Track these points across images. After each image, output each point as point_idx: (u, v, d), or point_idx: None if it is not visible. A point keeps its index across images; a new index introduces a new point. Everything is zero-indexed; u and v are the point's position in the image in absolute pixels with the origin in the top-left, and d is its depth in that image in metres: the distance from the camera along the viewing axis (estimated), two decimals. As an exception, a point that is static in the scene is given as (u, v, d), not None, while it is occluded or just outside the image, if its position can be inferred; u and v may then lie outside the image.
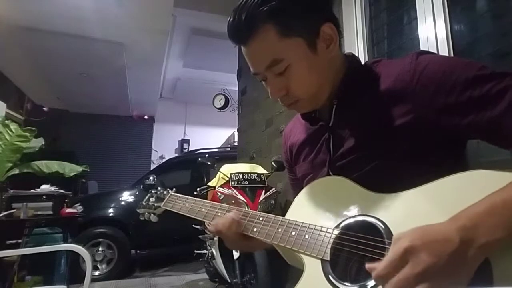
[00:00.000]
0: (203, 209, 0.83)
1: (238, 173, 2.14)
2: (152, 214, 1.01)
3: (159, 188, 1.02)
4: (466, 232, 0.43)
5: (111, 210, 4.10)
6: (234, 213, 0.76)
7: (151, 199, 1.01)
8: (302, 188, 0.74)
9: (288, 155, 0.88)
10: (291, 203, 0.75)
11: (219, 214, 0.79)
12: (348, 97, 0.69)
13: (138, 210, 1.04)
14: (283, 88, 0.66)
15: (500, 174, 0.49)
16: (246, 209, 0.78)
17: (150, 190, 1.03)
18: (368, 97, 0.66)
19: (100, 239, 3.80)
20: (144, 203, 1.02)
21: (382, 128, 0.62)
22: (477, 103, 0.53)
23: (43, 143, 3.59)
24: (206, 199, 1.98)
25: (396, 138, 0.61)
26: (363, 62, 0.74)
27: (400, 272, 0.43)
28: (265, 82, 0.69)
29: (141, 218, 1.03)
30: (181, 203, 0.90)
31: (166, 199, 0.96)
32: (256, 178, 2.15)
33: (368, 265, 0.47)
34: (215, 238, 2.34)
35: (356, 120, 0.67)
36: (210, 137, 7.24)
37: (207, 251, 2.79)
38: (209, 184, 2.27)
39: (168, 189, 1.00)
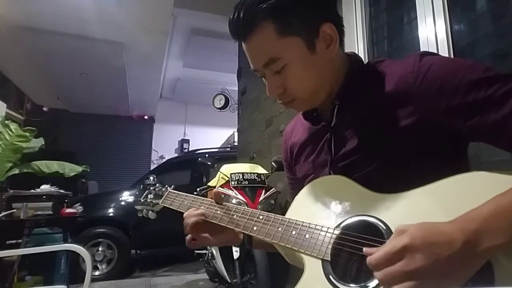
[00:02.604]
0: (202, 207, 0.83)
1: (238, 173, 2.14)
2: (150, 211, 0.99)
3: (157, 185, 1.01)
4: (471, 235, 0.43)
5: (111, 210, 4.10)
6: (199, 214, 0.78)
7: (149, 196, 1.00)
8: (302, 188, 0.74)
9: (288, 155, 0.87)
10: (290, 203, 0.74)
11: (218, 212, 0.79)
12: (350, 97, 0.68)
13: (136, 207, 1.03)
14: (280, 86, 0.67)
15: (502, 175, 0.49)
16: (246, 207, 0.78)
17: (148, 187, 1.02)
18: (371, 97, 0.65)
19: (100, 239, 3.80)
20: (142, 200, 1.01)
21: (384, 129, 0.62)
22: (482, 106, 0.52)
23: (43, 143, 3.59)
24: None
25: (399, 139, 0.61)
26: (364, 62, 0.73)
27: (392, 265, 0.43)
28: (264, 79, 0.69)
29: (139, 215, 1.02)
30: (180, 200, 0.89)
31: (164, 196, 0.94)
32: (256, 178, 2.15)
33: (365, 249, 0.48)
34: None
35: (358, 121, 0.67)
36: (210, 137, 7.24)
37: (207, 251, 2.79)
38: (209, 184, 2.27)
39: (166, 186, 0.99)
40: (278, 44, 0.63)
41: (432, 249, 0.43)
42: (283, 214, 0.72)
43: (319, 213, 0.66)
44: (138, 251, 4.16)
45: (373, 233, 0.55)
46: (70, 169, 3.43)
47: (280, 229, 0.68)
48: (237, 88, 3.96)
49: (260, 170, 2.30)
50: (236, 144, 4.38)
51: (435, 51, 1.46)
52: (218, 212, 0.79)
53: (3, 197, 2.56)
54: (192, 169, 4.47)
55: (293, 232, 0.65)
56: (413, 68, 0.59)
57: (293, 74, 0.65)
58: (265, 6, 0.61)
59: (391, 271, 0.43)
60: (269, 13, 0.61)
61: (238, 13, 0.63)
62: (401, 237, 0.44)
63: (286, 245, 0.65)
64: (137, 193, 4.12)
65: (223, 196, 0.83)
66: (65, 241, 2.77)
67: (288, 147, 0.87)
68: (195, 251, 3.01)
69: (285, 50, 0.63)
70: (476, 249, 0.43)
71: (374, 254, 0.46)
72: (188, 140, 7.79)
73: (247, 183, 2.11)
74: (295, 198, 0.73)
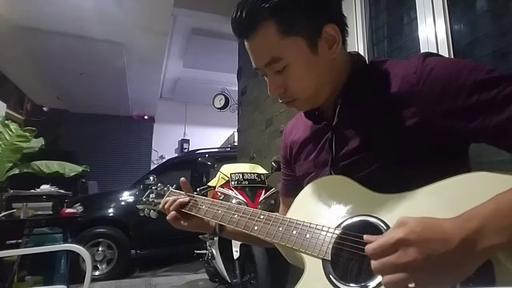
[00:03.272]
0: (203, 207, 0.83)
1: (238, 173, 2.14)
2: (152, 211, 1.01)
3: (159, 184, 1.02)
4: (471, 233, 0.43)
5: (111, 210, 4.09)
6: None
7: (151, 195, 1.01)
8: (297, 187, 0.75)
9: (287, 152, 0.87)
10: (281, 199, 0.75)
11: (219, 211, 0.79)
12: (352, 97, 0.68)
13: (137, 206, 1.03)
14: (281, 86, 0.67)
15: (504, 176, 0.49)
16: (247, 207, 0.78)
17: (150, 186, 1.03)
18: (373, 97, 0.65)
19: (100, 239, 3.80)
20: (144, 199, 1.02)
21: (386, 129, 0.62)
22: (485, 107, 0.52)
23: (43, 143, 3.59)
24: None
25: (400, 139, 0.61)
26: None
27: (386, 256, 0.45)
28: (266, 77, 0.69)
29: (141, 214, 1.03)
30: None
31: (166, 196, 0.95)
32: (256, 178, 2.15)
33: (366, 237, 0.49)
34: (215, 238, 2.34)
35: (360, 121, 0.67)
36: (210, 137, 7.23)
37: (207, 251, 2.79)
38: (209, 184, 2.27)
39: (168, 185, 1.00)
40: (280, 44, 0.63)
41: (426, 245, 0.43)
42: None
43: (320, 213, 0.66)
44: (138, 251, 4.16)
45: (373, 233, 0.55)
46: (70, 169, 3.42)
47: (281, 228, 0.68)
48: (237, 88, 3.96)
49: (260, 170, 2.30)
50: (236, 144, 4.38)
51: (435, 51, 1.46)
52: (220, 211, 0.79)
53: (3, 197, 2.56)
54: (192, 169, 4.46)
55: (294, 232, 0.66)
56: (416, 69, 0.59)
57: (295, 74, 0.65)
58: (268, 5, 0.61)
59: (385, 261, 0.45)
60: (271, 13, 0.61)
61: (241, 12, 0.63)
62: (399, 230, 0.45)
63: (287, 245, 0.65)
64: (137, 193, 4.12)
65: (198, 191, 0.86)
66: (65, 241, 2.77)
67: (287, 145, 0.87)
68: (195, 251, 3.02)
69: (287, 50, 0.63)
70: (475, 247, 0.43)
71: (372, 243, 0.47)
72: (188, 140, 7.79)
73: (247, 183, 2.11)
74: (296, 197, 0.74)
